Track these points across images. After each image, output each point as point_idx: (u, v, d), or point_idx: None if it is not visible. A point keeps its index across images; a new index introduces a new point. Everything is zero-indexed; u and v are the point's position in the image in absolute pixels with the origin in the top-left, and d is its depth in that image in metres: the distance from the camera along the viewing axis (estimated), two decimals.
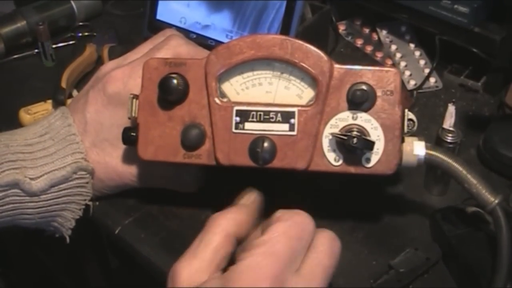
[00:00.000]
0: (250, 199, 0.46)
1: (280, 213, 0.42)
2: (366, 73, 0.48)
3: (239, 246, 0.44)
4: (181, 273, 0.40)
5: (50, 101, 0.71)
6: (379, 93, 0.48)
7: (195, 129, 0.49)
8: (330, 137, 0.48)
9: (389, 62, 0.80)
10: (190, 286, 0.39)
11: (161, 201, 0.59)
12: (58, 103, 0.69)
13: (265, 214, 0.45)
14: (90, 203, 0.56)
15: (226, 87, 0.50)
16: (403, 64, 0.79)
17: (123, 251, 0.58)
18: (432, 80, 0.76)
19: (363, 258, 0.54)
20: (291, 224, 0.41)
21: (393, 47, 0.82)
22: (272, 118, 0.48)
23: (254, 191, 0.47)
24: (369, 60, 0.81)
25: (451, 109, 0.63)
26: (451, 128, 0.59)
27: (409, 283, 0.52)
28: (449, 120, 0.62)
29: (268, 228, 0.41)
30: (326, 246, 0.42)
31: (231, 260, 0.42)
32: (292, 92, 0.49)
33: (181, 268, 0.40)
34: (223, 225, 0.42)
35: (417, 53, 0.81)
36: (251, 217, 0.44)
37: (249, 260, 0.39)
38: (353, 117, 0.48)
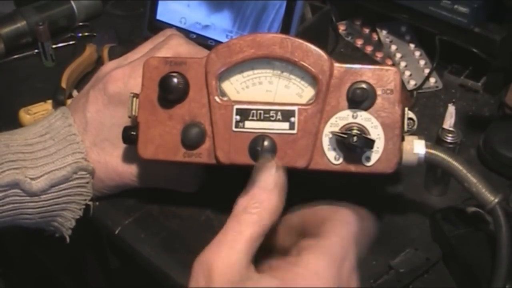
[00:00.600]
0: (273, 179, 0.40)
1: (341, 212, 0.41)
2: (366, 72, 0.48)
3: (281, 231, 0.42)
4: (218, 266, 0.36)
5: (50, 101, 0.71)
6: (379, 91, 0.48)
7: (195, 128, 0.49)
8: (330, 135, 0.48)
9: (389, 62, 0.80)
10: (232, 280, 0.36)
11: (161, 201, 0.59)
12: (58, 103, 0.69)
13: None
14: (90, 203, 0.56)
15: (226, 86, 0.50)
16: (403, 64, 0.79)
17: (123, 251, 0.58)
18: (432, 80, 0.76)
19: (363, 258, 0.54)
20: (350, 229, 0.40)
21: (393, 47, 0.82)
22: (272, 116, 0.48)
23: (274, 166, 0.41)
24: (369, 60, 0.81)
25: (451, 109, 0.63)
26: (451, 128, 0.59)
27: (409, 283, 0.52)
28: (449, 120, 0.62)
29: (325, 227, 0.39)
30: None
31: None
32: (292, 91, 0.49)
33: (217, 260, 0.36)
34: (258, 215, 0.39)
35: (417, 53, 0.81)
36: (281, 201, 0.40)
37: (303, 267, 0.37)
38: (353, 116, 0.48)
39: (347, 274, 0.38)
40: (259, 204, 0.39)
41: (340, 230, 0.39)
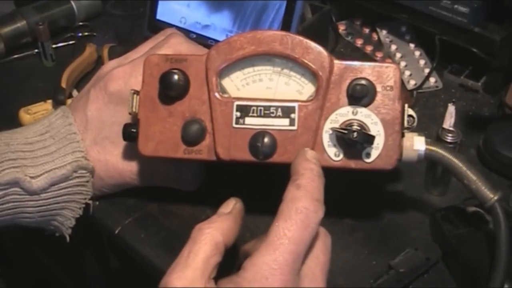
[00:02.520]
0: (230, 206, 0.45)
1: (285, 212, 0.41)
2: (365, 69, 0.48)
3: (245, 246, 0.44)
4: (175, 285, 0.39)
5: (50, 101, 0.71)
6: (379, 88, 0.48)
7: (196, 125, 0.49)
8: (330, 132, 0.48)
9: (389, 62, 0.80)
10: None
11: (161, 201, 0.59)
12: (58, 103, 0.69)
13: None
14: (90, 202, 0.56)
15: (227, 82, 0.50)
16: (403, 64, 0.79)
17: (123, 251, 0.58)
18: (432, 80, 0.76)
19: (363, 258, 0.54)
20: (296, 224, 0.40)
21: (393, 47, 0.82)
22: (273, 113, 0.49)
23: (234, 199, 0.46)
24: (369, 60, 0.81)
25: (451, 109, 0.63)
26: (451, 128, 0.59)
27: (409, 283, 0.52)
28: (449, 120, 0.62)
29: (272, 232, 0.40)
30: (320, 243, 0.42)
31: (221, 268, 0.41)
32: (292, 88, 0.49)
33: (174, 280, 0.39)
34: (211, 234, 0.41)
35: (417, 53, 0.81)
36: (236, 224, 0.44)
37: (254, 272, 0.38)
38: (353, 112, 0.48)
39: (296, 277, 0.39)
40: (212, 225, 0.42)
41: (283, 231, 0.40)
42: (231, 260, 0.45)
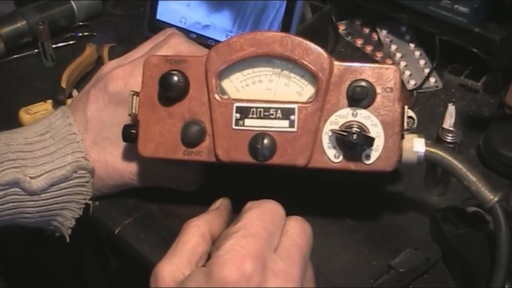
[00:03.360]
0: (218, 204, 0.48)
1: (250, 204, 0.43)
2: (365, 70, 0.48)
3: (214, 245, 0.45)
4: (163, 272, 0.41)
5: (50, 101, 0.71)
6: (378, 90, 0.48)
7: (195, 126, 0.49)
8: (330, 133, 0.48)
9: (389, 62, 0.80)
10: (173, 282, 0.40)
11: (161, 201, 0.59)
12: (58, 103, 0.69)
13: None
14: (90, 202, 0.56)
15: (226, 84, 0.50)
16: (403, 64, 0.79)
17: (123, 251, 0.58)
18: (432, 80, 0.76)
19: (363, 258, 0.54)
20: (262, 210, 0.42)
21: (393, 47, 0.82)
22: (272, 114, 0.49)
23: (221, 198, 0.49)
24: (369, 60, 0.81)
25: (451, 109, 0.63)
26: (451, 128, 0.59)
27: (409, 283, 0.52)
28: (449, 120, 0.62)
29: (242, 216, 0.42)
30: (297, 227, 0.43)
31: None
32: (292, 89, 0.49)
33: (162, 267, 0.41)
34: (197, 226, 0.44)
35: (417, 53, 0.81)
36: (222, 216, 0.46)
37: (229, 244, 0.39)
38: (353, 114, 0.48)
39: (269, 253, 0.40)
40: (198, 218, 0.44)
41: (254, 213, 0.42)
42: None
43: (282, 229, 0.42)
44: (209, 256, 0.43)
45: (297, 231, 0.43)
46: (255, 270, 0.38)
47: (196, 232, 0.43)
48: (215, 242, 0.45)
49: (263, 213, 0.42)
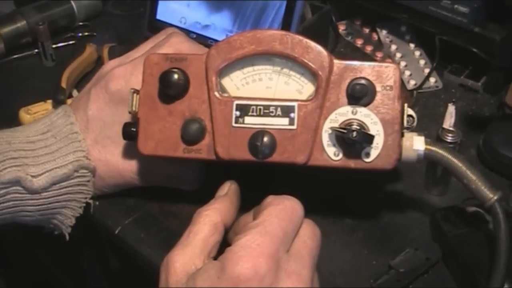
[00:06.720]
0: (226, 189, 0.48)
1: (271, 198, 0.43)
2: (365, 68, 0.48)
3: (231, 232, 0.46)
4: (175, 262, 0.41)
5: (50, 101, 0.71)
6: (378, 88, 0.48)
7: (195, 124, 0.50)
8: (330, 131, 0.48)
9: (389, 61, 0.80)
10: (184, 274, 0.40)
11: (161, 201, 0.59)
12: (58, 103, 0.69)
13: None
14: (91, 201, 0.56)
15: (226, 82, 0.50)
16: (403, 64, 0.79)
17: (123, 251, 0.58)
18: (432, 80, 0.76)
19: (363, 258, 0.54)
20: (282, 207, 0.42)
21: (393, 47, 0.82)
22: (272, 112, 0.49)
23: (228, 182, 0.49)
24: (369, 60, 0.81)
25: (451, 109, 0.63)
26: (451, 128, 0.59)
27: (409, 283, 0.52)
28: (449, 120, 0.62)
29: (261, 212, 0.42)
30: (308, 230, 0.43)
31: (223, 248, 0.42)
32: (292, 87, 0.49)
33: (174, 257, 0.41)
34: (209, 216, 0.44)
35: (417, 53, 0.81)
36: (232, 204, 0.46)
37: (245, 240, 0.40)
38: (352, 112, 0.48)
39: (283, 253, 0.40)
40: (210, 207, 0.45)
41: (274, 210, 0.42)
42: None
43: (298, 230, 0.43)
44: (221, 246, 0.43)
45: (309, 234, 0.43)
46: (269, 270, 0.38)
47: (208, 222, 0.43)
48: (228, 231, 0.45)
49: (282, 211, 0.42)
